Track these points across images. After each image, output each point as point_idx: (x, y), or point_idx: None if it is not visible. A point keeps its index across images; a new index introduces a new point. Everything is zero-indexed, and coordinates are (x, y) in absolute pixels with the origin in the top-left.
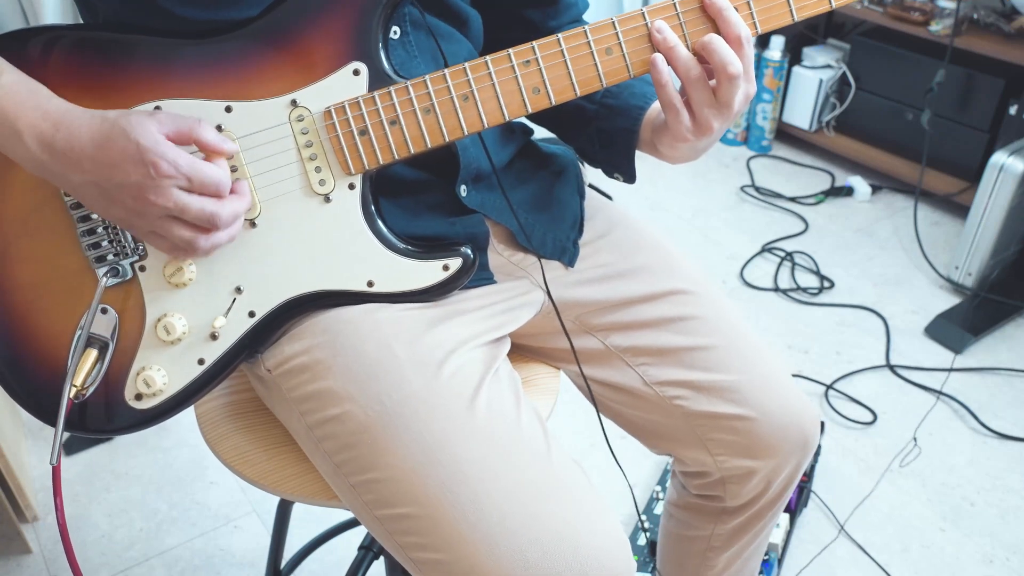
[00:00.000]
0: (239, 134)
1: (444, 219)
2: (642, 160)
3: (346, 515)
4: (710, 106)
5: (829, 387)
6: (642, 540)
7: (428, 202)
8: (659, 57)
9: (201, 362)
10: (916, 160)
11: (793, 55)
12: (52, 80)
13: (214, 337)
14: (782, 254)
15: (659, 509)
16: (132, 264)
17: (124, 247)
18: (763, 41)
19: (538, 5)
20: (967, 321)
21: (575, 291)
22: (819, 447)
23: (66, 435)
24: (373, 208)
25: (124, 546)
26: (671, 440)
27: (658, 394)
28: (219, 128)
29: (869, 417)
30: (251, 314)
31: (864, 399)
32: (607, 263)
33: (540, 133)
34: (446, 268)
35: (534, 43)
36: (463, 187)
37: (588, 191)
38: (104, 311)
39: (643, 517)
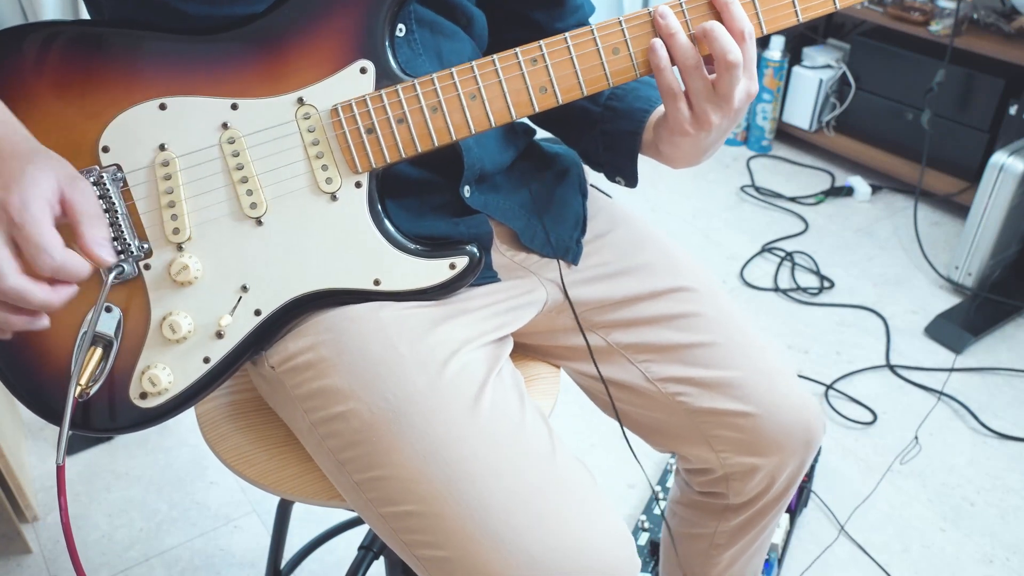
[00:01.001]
0: (245, 132)
1: (448, 219)
2: (643, 161)
3: (346, 515)
4: (708, 98)
5: (829, 387)
6: (642, 540)
7: (432, 203)
8: (658, 42)
9: (206, 360)
10: (916, 160)
11: (793, 55)
12: (55, 76)
13: (220, 336)
14: (782, 254)
15: (659, 509)
16: (137, 262)
17: (129, 246)
18: (763, 41)
19: (544, 7)
20: (967, 321)
21: (577, 289)
22: (819, 447)
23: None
24: (379, 207)
25: (124, 546)
26: (674, 437)
27: (661, 391)
28: (225, 126)
29: (869, 417)
30: (257, 312)
31: (864, 399)
32: (609, 261)
33: (542, 134)
34: (452, 267)
35: (541, 42)
36: (467, 188)
37: (590, 190)
38: (108, 310)
39: (643, 517)
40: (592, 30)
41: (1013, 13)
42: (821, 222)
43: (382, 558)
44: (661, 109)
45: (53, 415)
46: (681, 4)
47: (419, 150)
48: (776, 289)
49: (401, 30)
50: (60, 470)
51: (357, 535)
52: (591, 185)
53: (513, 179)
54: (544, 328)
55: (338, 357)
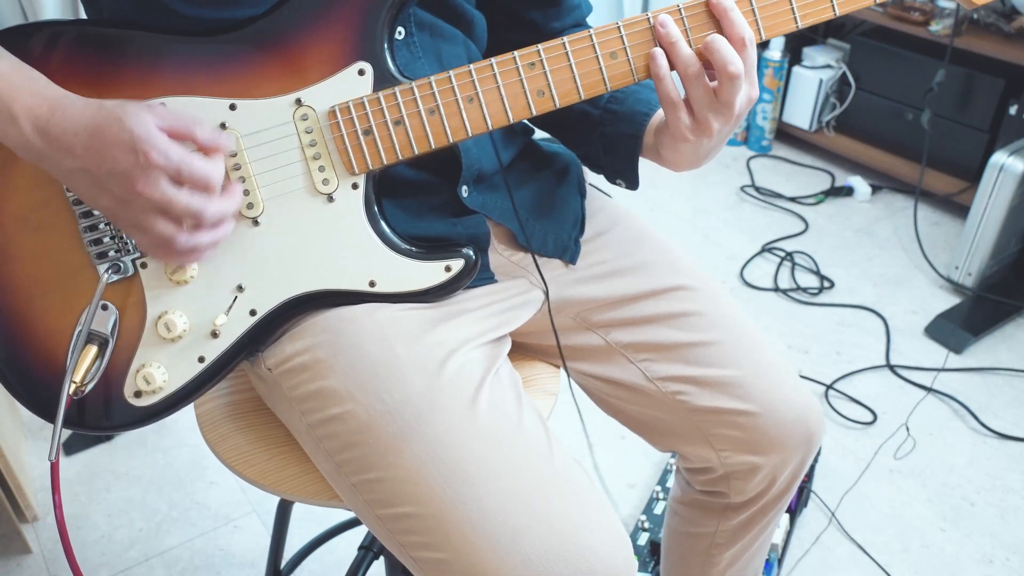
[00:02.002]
0: (243, 132)
1: (446, 220)
2: (643, 161)
3: (346, 515)
4: (710, 106)
5: (829, 387)
6: (642, 540)
7: (430, 203)
8: (658, 51)
9: (201, 360)
10: (916, 160)
11: (793, 55)
12: (55, 76)
13: (215, 335)
14: (782, 254)
15: (659, 509)
16: (134, 261)
17: (126, 243)
18: (763, 42)
19: (540, 6)
20: (967, 321)
21: (576, 288)
22: (820, 446)
23: (66, 433)
24: (376, 208)
25: (124, 546)
26: (675, 436)
27: (660, 390)
28: (223, 126)
29: (869, 417)
30: (252, 312)
31: (864, 399)
32: (608, 260)
33: (540, 133)
34: (448, 269)
35: (539, 46)
36: (464, 188)
37: (589, 189)
38: (104, 308)
39: (643, 517)
40: (591, 35)
41: (1013, 13)
42: (821, 222)
43: (382, 558)
44: (661, 114)
45: (49, 412)
46: (680, 11)
47: (416, 152)
48: (776, 289)
49: (400, 33)
50: (54, 467)
51: (357, 535)
52: (590, 184)
53: (512, 179)
54: (542, 328)
55: (335, 359)
